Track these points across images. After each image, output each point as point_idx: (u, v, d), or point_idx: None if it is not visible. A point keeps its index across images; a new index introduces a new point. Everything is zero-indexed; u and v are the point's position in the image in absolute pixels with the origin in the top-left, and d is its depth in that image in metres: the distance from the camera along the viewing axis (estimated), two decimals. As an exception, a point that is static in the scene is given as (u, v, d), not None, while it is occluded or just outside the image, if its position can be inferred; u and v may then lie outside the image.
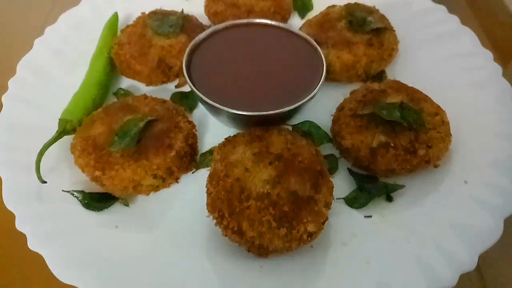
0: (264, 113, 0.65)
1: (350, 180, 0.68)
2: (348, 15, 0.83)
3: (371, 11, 0.85)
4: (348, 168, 0.69)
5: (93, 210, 0.61)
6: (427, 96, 0.71)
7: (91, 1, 0.91)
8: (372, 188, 0.65)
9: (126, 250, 0.58)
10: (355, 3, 0.88)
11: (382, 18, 0.84)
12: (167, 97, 0.79)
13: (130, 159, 0.61)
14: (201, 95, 0.66)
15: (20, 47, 0.82)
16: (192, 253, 0.59)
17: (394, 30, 0.82)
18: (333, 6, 0.94)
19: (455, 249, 0.56)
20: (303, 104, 0.67)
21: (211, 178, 0.61)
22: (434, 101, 0.70)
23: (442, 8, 0.88)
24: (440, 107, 0.69)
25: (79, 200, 0.62)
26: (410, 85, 0.75)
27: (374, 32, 0.80)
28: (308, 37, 0.76)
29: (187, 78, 0.68)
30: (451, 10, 0.89)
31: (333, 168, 0.69)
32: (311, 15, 0.97)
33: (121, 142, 0.62)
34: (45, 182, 0.61)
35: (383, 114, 0.65)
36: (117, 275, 0.55)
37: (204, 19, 0.92)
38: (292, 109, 0.66)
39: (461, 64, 0.80)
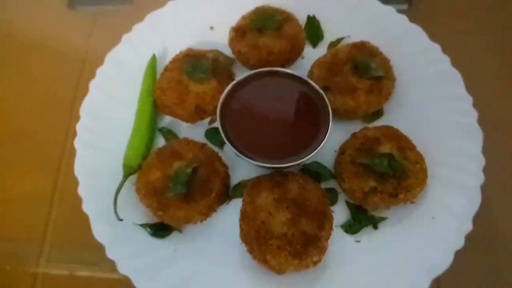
0: (281, 165, 0.85)
1: (346, 209, 0.89)
2: (354, 58, 0.96)
3: (375, 53, 0.98)
4: (345, 201, 0.90)
5: (157, 238, 0.85)
6: (412, 144, 0.88)
7: (129, 39, 1.05)
8: (362, 219, 0.87)
9: (183, 267, 0.82)
10: (361, 43, 1.00)
11: (384, 61, 0.97)
12: (202, 131, 0.98)
13: (183, 201, 0.82)
14: (234, 150, 0.85)
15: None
16: (230, 267, 0.83)
17: (393, 78, 0.96)
18: (341, 39, 1.08)
19: (415, 273, 0.79)
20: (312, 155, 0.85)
21: (243, 216, 0.83)
22: (416, 143, 0.88)
23: (437, 48, 1.01)
24: (421, 155, 0.86)
25: (146, 231, 0.85)
26: (400, 122, 0.93)
27: (375, 79, 0.94)
28: (318, 88, 0.91)
29: (224, 137, 0.86)
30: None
31: (334, 200, 0.89)
32: (322, 43, 1.10)
33: (175, 188, 0.82)
34: (122, 220, 0.83)
35: (375, 165, 0.84)
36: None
37: (227, 49, 1.06)
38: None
39: (444, 107, 0.95)
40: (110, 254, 0.80)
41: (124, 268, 0.79)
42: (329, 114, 0.88)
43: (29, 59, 1.17)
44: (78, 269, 0.91)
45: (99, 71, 1.00)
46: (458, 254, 0.80)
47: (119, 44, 1.04)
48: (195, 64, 0.97)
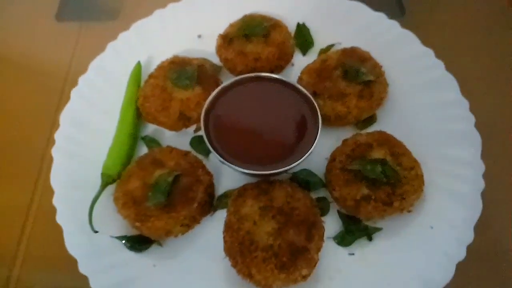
0: (268, 172, 0.79)
1: (338, 220, 0.83)
2: (344, 63, 0.93)
3: (365, 58, 0.95)
4: (337, 210, 0.84)
5: (135, 251, 0.79)
6: (406, 149, 0.83)
7: (115, 47, 1.02)
8: (355, 230, 0.81)
9: (163, 284, 0.76)
10: (351, 48, 0.97)
11: (375, 66, 0.94)
12: (187, 139, 0.94)
13: (163, 211, 0.77)
14: (219, 158, 0.81)
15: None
16: (213, 284, 0.77)
17: (385, 83, 0.92)
18: (332, 45, 1.05)
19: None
20: (301, 161, 0.80)
21: (226, 228, 0.77)
22: (412, 151, 0.83)
23: (430, 53, 0.98)
24: (416, 161, 0.82)
25: (123, 244, 0.79)
26: (394, 128, 0.88)
27: (366, 83, 0.90)
28: (307, 93, 0.87)
29: (208, 144, 0.82)
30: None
31: (325, 210, 0.84)
32: (312, 50, 1.07)
33: (154, 198, 0.77)
34: (97, 232, 0.78)
35: (367, 172, 0.79)
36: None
37: (215, 57, 1.03)
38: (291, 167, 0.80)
39: (439, 112, 0.91)
40: (82, 268, 0.75)
41: (96, 284, 0.73)
42: (318, 120, 0.84)
43: (13, 69, 1.15)
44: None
45: (82, 78, 0.97)
46: (460, 266, 0.74)
47: (104, 52, 1.02)
48: (180, 71, 0.94)
